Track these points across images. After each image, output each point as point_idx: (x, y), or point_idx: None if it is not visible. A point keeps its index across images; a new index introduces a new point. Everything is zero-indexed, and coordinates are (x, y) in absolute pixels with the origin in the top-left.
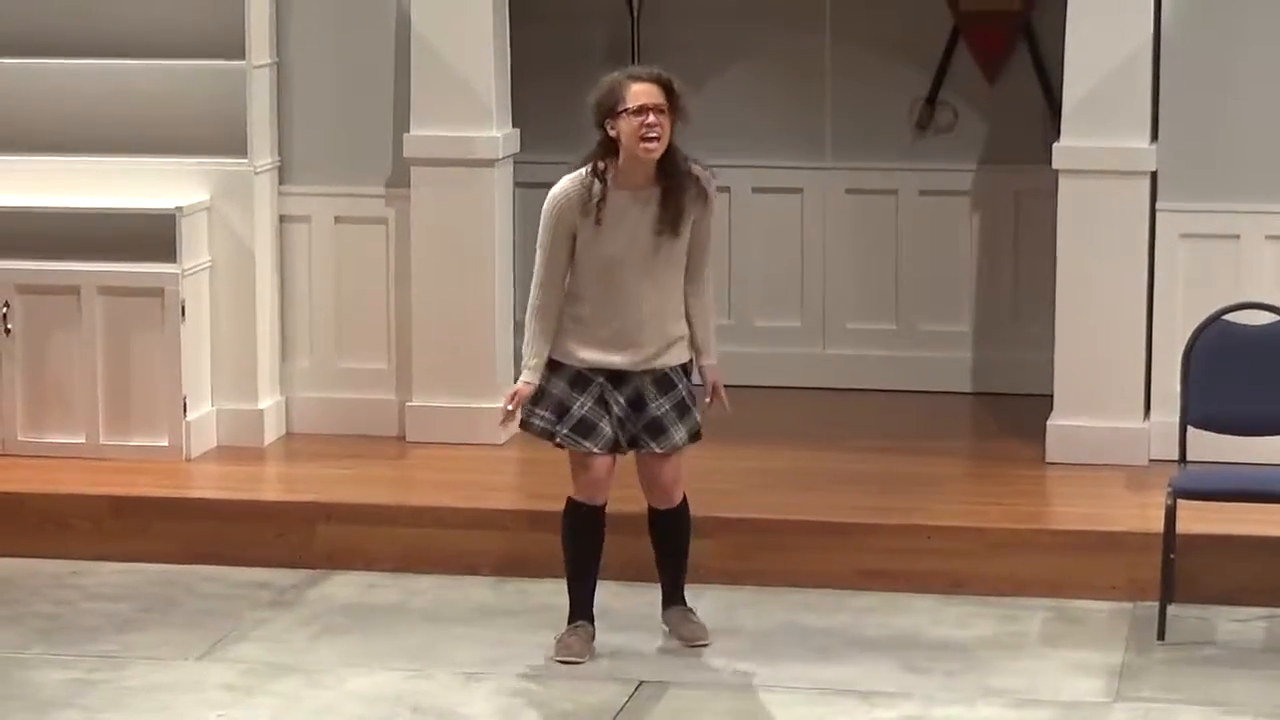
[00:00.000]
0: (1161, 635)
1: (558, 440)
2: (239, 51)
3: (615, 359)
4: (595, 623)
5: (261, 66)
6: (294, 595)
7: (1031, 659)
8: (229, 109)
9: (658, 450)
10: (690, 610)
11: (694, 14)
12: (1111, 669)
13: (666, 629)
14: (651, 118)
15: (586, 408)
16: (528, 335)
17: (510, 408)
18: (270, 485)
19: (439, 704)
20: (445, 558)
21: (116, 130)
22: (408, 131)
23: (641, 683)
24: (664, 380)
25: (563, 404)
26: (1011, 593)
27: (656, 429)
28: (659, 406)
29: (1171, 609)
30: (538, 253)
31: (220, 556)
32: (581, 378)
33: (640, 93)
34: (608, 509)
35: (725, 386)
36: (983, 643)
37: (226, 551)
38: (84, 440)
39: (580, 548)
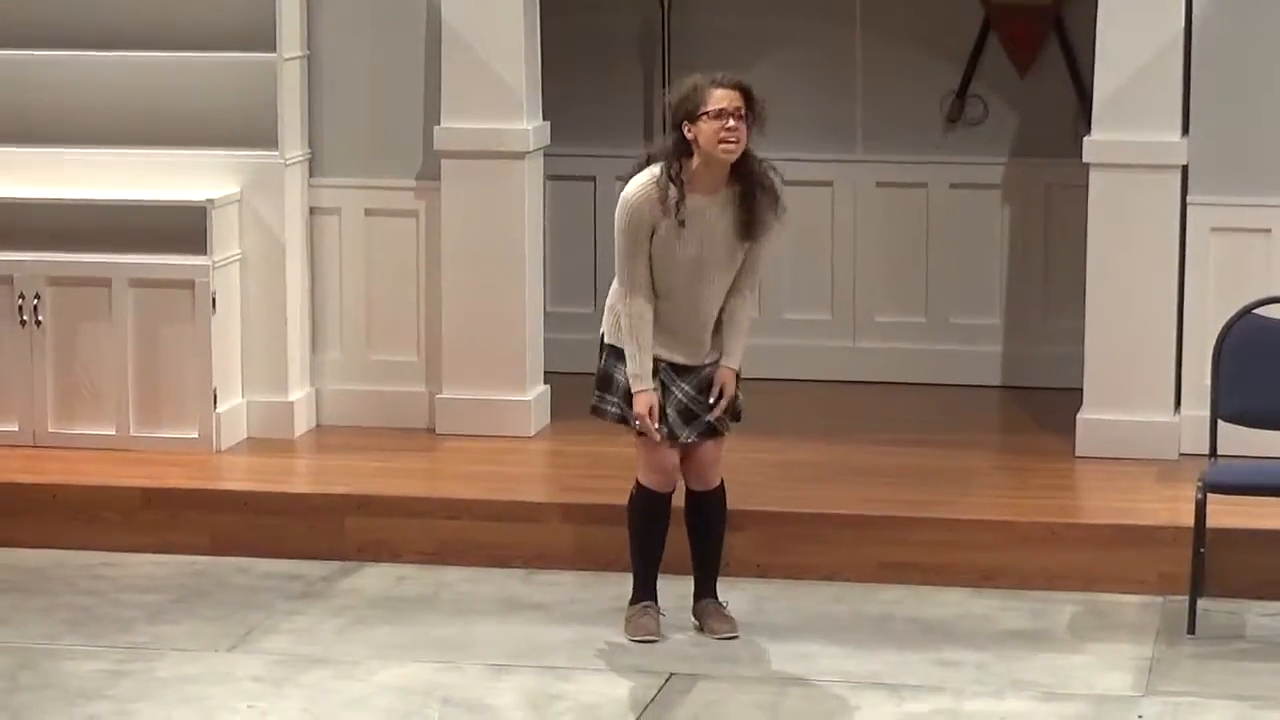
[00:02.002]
0: (1191, 629)
1: (631, 423)
2: (270, 44)
3: (678, 355)
4: (659, 602)
5: (292, 59)
6: (324, 587)
7: (1061, 652)
8: (260, 102)
9: (729, 430)
10: (722, 604)
11: (725, 6)
12: (1141, 663)
13: (696, 622)
14: (732, 122)
15: (657, 394)
16: (628, 347)
17: (646, 424)
18: (300, 477)
19: (469, 696)
20: (475, 550)
21: (147, 123)
22: (438, 124)
23: (671, 675)
24: None
25: (630, 389)
26: (1041, 586)
27: (731, 410)
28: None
29: (1201, 603)
30: (619, 259)
31: (250, 548)
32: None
33: (721, 97)
34: None
35: (750, 379)
36: (1012, 636)
37: (257, 543)
38: (114, 432)
39: (648, 534)
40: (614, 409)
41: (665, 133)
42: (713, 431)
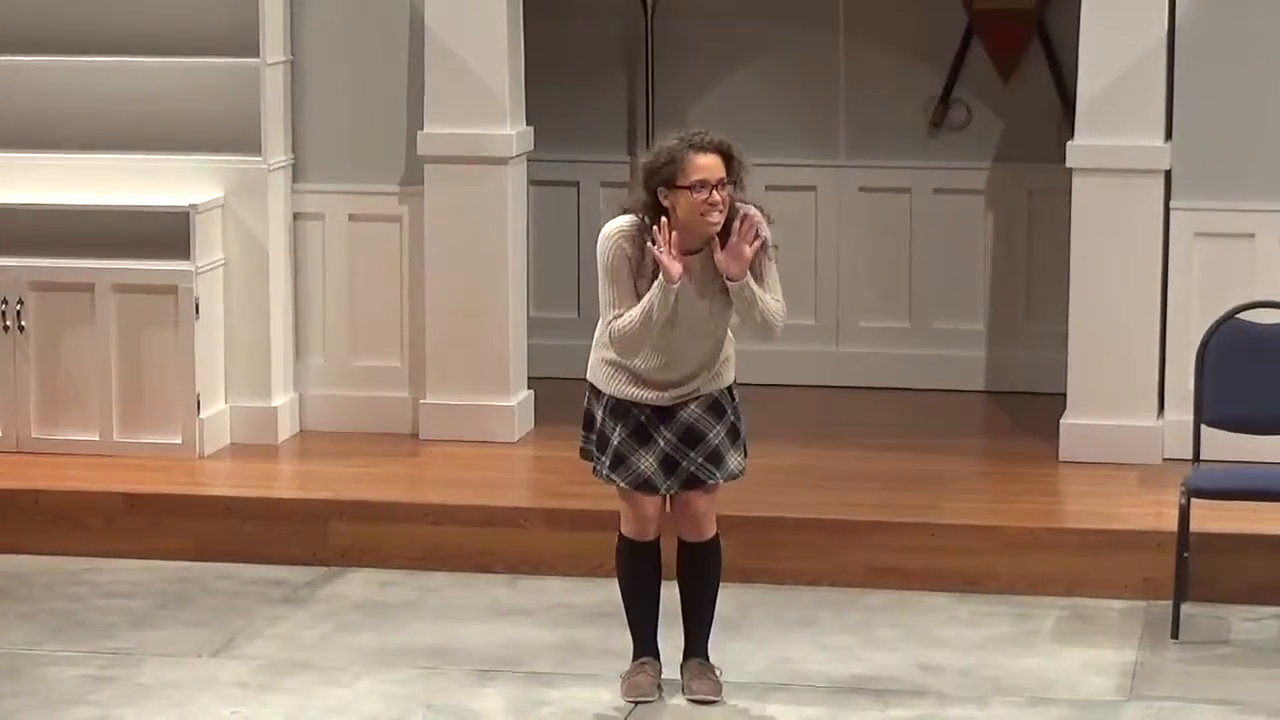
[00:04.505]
0: (1175, 634)
1: (602, 474)
2: (253, 49)
3: (653, 395)
4: (661, 658)
5: (275, 64)
6: (308, 592)
7: (1045, 657)
8: (243, 107)
9: (721, 481)
10: (710, 666)
11: (708, 12)
12: (1125, 668)
13: (681, 680)
14: (714, 195)
15: (620, 440)
16: (641, 312)
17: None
18: (284, 483)
19: (453, 702)
20: (459, 555)
21: (130, 128)
22: (421, 129)
23: None
24: (715, 405)
25: (604, 435)
26: (1025, 591)
27: (717, 458)
28: (716, 434)
29: (1185, 608)
30: (601, 294)
31: (234, 553)
32: (620, 407)
33: (702, 168)
34: None
35: (741, 384)
36: (996, 641)
37: (240, 548)
38: (98, 437)
39: (636, 584)
40: (592, 449)
41: (637, 188)
42: (697, 481)
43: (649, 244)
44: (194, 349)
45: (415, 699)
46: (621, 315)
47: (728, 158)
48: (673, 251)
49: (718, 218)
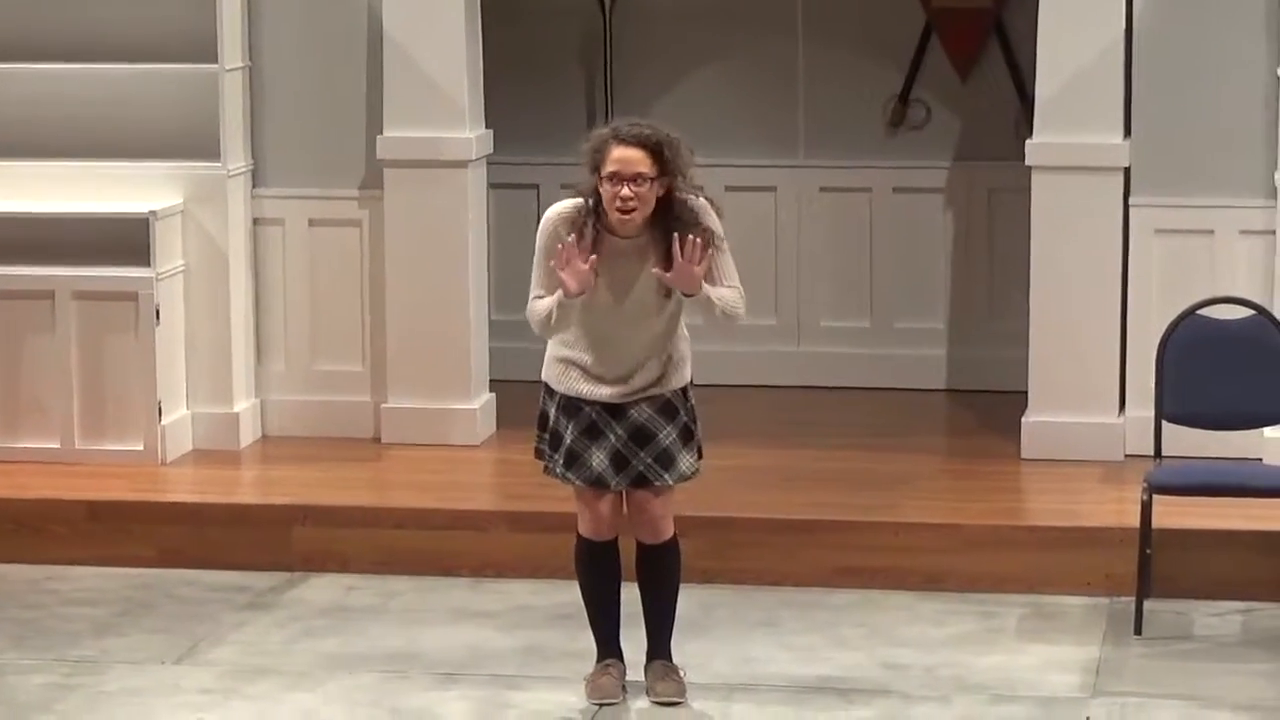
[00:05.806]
0: (1138, 630)
1: (555, 472)
2: (211, 55)
3: (605, 391)
4: (625, 659)
5: (234, 70)
6: (271, 598)
7: (1008, 655)
8: (201, 112)
9: (671, 483)
10: (673, 667)
11: (666, 14)
12: (1088, 664)
13: (645, 682)
14: (626, 189)
15: (573, 438)
16: (542, 310)
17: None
18: (246, 488)
19: (417, 705)
20: (422, 559)
21: (89, 134)
22: (380, 133)
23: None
24: (668, 406)
25: (557, 433)
26: (988, 589)
27: (667, 460)
28: (668, 435)
29: (1148, 604)
30: (534, 273)
31: (197, 560)
32: (572, 405)
33: (617, 159)
34: None
35: (699, 385)
36: (960, 639)
37: (203, 555)
38: (59, 445)
39: (595, 585)
40: (546, 449)
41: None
42: (645, 481)
43: (549, 262)
44: (155, 355)
45: (380, 703)
46: (540, 300)
47: (655, 153)
48: (584, 264)
49: (630, 216)
